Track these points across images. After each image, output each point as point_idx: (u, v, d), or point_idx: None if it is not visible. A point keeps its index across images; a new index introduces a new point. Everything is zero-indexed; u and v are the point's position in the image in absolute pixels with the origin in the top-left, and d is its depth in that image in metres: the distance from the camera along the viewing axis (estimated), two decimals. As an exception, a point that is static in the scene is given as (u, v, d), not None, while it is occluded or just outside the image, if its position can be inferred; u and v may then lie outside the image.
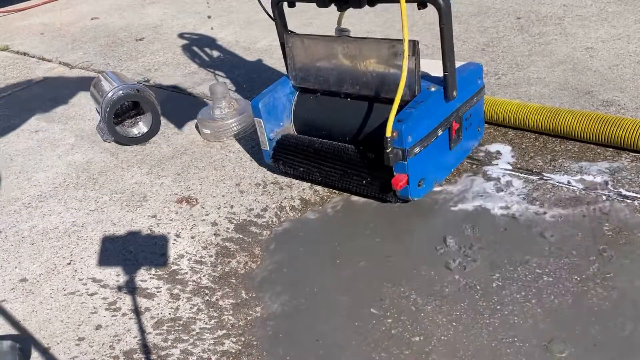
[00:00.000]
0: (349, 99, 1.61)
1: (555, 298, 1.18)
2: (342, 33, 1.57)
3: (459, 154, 1.63)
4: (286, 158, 1.68)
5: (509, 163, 1.65)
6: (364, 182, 1.51)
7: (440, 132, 1.48)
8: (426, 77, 1.51)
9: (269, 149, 1.71)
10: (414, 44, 1.37)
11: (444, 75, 1.43)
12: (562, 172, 1.57)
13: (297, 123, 1.73)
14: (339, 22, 1.62)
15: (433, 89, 1.46)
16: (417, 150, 1.41)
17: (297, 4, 1.58)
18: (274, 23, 1.65)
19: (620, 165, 1.55)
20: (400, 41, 1.36)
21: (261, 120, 1.66)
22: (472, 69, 1.58)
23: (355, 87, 1.56)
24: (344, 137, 1.60)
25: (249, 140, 2.05)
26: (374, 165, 1.49)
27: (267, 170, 1.84)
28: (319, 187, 1.70)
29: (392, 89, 1.46)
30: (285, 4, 1.59)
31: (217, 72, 2.74)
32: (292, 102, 1.72)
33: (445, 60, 1.40)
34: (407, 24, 1.30)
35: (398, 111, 1.38)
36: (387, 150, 1.37)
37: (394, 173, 1.43)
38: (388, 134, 1.36)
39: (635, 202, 1.41)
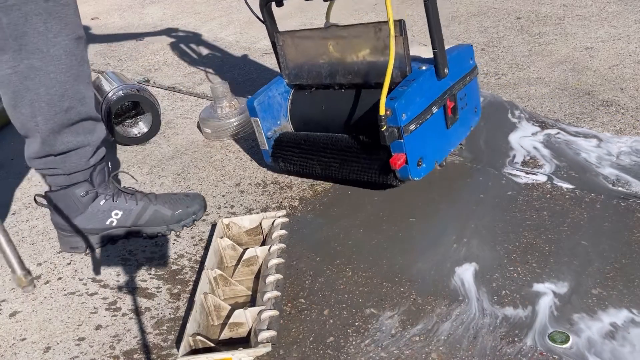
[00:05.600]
0: (342, 90, 1.60)
1: (558, 286, 1.19)
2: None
3: (457, 135, 1.61)
4: (285, 155, 1.68)
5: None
6: (363, 166, 1.51)
7: (435, 110, 1.47)
8: (417, 59, 1.51)
9: (267, 148, 1.71)
10: (401, 24, 1.36)
11: (433, 52, 1.43)
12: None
13: (294, 120, 1.73)
14: (328, 15, 1.61)
15: (424, 68, 1.46)
16: (412, 127, 1.41)
17: (284, 2, 1.58)
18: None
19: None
20: (387, 22, 1.36)
21: (258, 119, 1.66)
22: (462, 49, 1.58)
23: (348, 76, 1.55)
24: (341, 128, 1.60)
25: (249, 140, 2.05)
26: (371, 149, 1.49)
27: (267, 170, 1.84)
28: (319, 187, 1.70)
29: (383, 73, 1.44)
30: (272, 4, 1.59)
31: (217, 72, 2.74)
32: (288, 100, 1.72)
33: (433, 37, 1.40)
34: (391, 4, 1.30)
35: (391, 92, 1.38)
36: (383, 129, 1.37)
37: (392, 153, 1.43)
38: (382, 112, 1.36)
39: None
